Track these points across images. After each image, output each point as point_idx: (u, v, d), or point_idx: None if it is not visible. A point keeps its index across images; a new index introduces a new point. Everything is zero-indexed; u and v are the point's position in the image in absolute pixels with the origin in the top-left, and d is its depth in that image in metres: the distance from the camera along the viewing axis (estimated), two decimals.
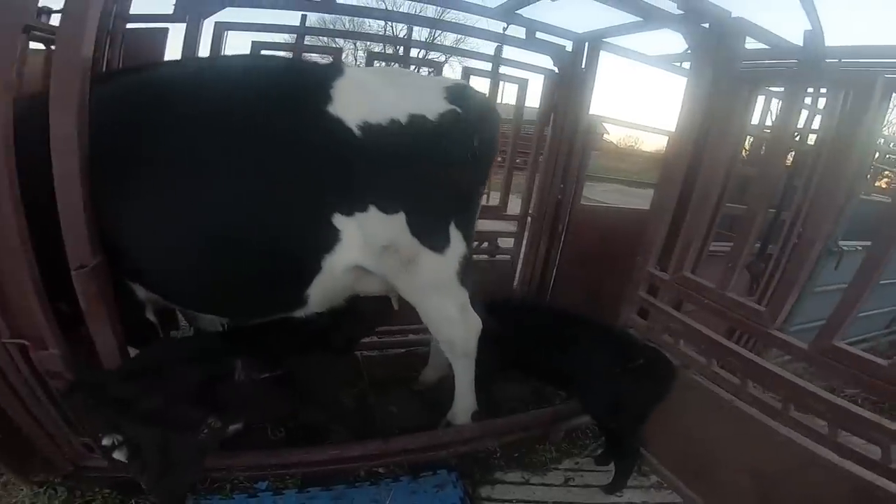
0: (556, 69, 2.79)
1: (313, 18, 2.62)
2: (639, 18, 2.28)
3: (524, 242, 3.18)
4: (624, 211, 3.39)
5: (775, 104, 3.08)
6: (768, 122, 3.15)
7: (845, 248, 2.94)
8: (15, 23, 1.15)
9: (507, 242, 3.20)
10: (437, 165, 1.76)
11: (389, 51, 2.92)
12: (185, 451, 1.51)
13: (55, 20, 1.95)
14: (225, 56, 2.23)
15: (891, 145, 5.90)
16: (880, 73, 1.57)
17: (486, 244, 3.12)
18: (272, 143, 1.57)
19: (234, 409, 1.64)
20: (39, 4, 1.85)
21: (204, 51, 2.16)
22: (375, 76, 1.77)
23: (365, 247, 1.74)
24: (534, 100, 2.97)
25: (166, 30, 2.10)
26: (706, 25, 2.07)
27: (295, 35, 2.51)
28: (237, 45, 2.36)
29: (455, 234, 1.88)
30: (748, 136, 2.85)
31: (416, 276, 1.84)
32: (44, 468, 1.75)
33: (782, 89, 1.94)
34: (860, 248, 2.92)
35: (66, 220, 1.31)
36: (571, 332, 2.14)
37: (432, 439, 2.15)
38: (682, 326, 2.07)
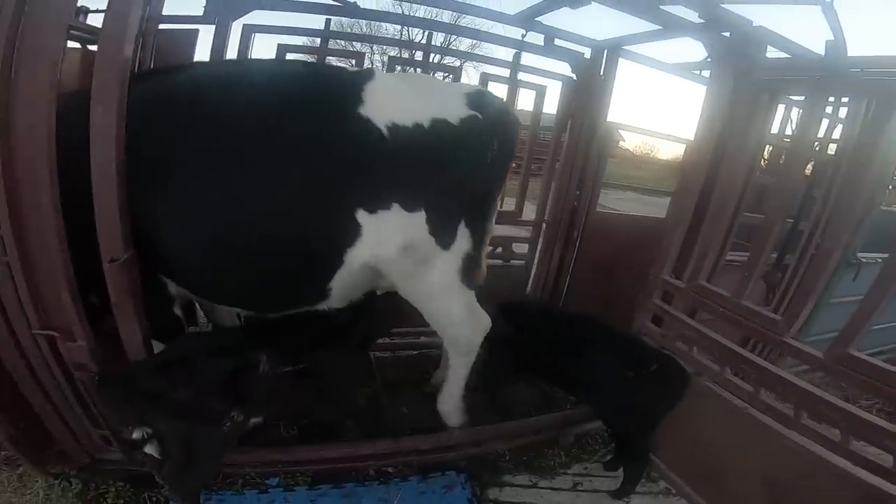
0: (574, 76, 2.80)
1: (335, 23, 2.68)
2: (658, 27, 2.29)
3: (539, 248, 3.19)
4: (639, 219, 3.38)
5: (795, 113, 3.06)
6: (788, 132, 3.13)
7: (864, 259, 2.90)
8: (59, 23, 1.19)
9: (521, 248, 3.21)
10: (457, 167, 1.82)
11: (406, 55, 2.96)
12: (208, 444, 1.54)
13: (84, 20, 2.04)
14: (265, 60, 2.28)
15: None
16: None
17: (500, 249, 3.13)
18: (306, 142, 1.63)
19: (257, 403, 1.67)
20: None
21: (232, 52, 2.23)
22: (402, 81, 1.84)
23: (380, 245, 1.78)
24: (551, 106, 2.99)
25: (196, 31, 2.16)
26: (727, 34, 2.08)
27: (318, 38, 2.56)
28: (263, 47, 2.42)
29: (462, 232, 1.92)
30: (767, 146, 2.84)
31: (425, 276, 1.87)
32: (61, 460, 1.78)
33: (803, 98, 1.94)
34: (879, 259, 2.87)
35: (100, 215, 1.35)
36: (584, 337, 2.14)
37: (442, 440, 2.16)
38: (696, 334, 2.07)
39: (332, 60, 2.87)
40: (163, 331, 1.75)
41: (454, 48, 4.13)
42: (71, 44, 1.90)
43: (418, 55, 2.83)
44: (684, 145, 2.70)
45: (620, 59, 2.73)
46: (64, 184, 1.29)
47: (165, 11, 2.09)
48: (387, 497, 1.96)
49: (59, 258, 1.32)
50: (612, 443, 2.30)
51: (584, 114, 2.82)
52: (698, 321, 2.12)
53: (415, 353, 3.06)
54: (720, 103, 2.10)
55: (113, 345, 1.56)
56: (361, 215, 1.72)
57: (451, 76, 2.84)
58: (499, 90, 2.77)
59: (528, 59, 2.76)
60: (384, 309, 2.07)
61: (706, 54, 2.56)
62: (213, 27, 2.16)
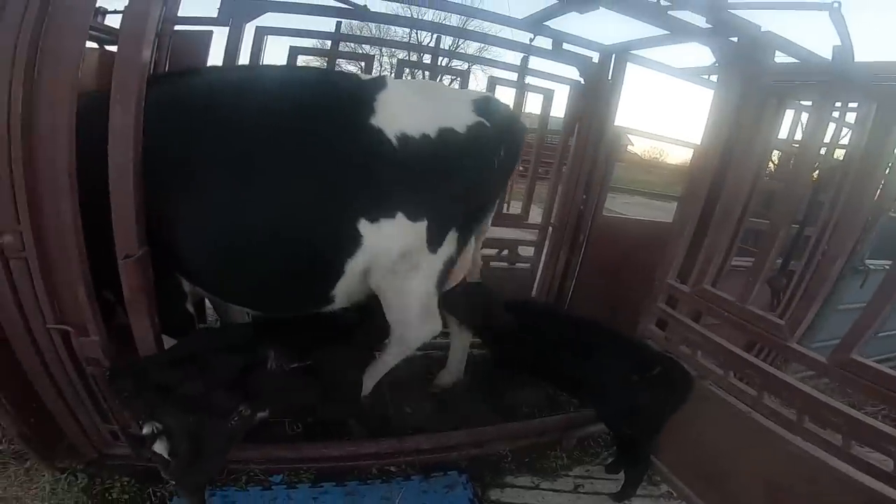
0: (581, 80, 2.81)
1: (344, 25, 2.72)
2: (666, 32, 2.30)
3: (544, 252, 3.19)
4: (645, 223, 3.37)
5: (805, 118, 3.05)
6: (797, 137, 3.11)
7: (872, 266, 2.88)
8: (81, 24, 1.22)
9: (527, 251, 3.22)
10: (463, 175, 1.85)
11: (414, 58, 2.99)
12: (215, 439, 1.56)
13: (102, 20, 2.08)
14: (281, 66, 2.33)
15: None
16: None
17: (506, 252, 3.14)
18: (317, 150, 1.66)
19: (264, 398, 1.69)
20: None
21: (245, 54, 2.28)
22: (412, 89, 1.85)
23: (379, 251, 1.81)
24: (559, 109, 3.01)
25: (210, 32, 2.20)
26: (734, 39, 2.08)
27: (329, 41, 2.60)
28: (276, 49, 2.46)
29: (451, 237, 1.95)
30: (776, 151, 2.83)
31: (408, 277, 1.90)
32: (68, 455, 1.80)
33: (810, 103, 1.94)
34: (887, 266, 2.86)
35: (117, 213, 1.38)
36: (589, 340, 2.15)
37: (444, 440, 2.17)
38: (700, 338, 2.07)
39: (342, 62, 2.91)
40: (174, 327, 1.78)
41: (462, 52, 4.16)
42: (88, 44, 1.95)
43: (427, 58, 2.86)
44: (693, 150, 2.70)
45: (629, 64, 2.73)
46: (79, 181, 1.32)
47: (180, 13, 2.13)
48: (389, 496, 1.98)
49: (76, 255, 1.35)
50: (615, 446, 2.30)
51: (591, 118, 2.83)
52: (703, 325, 2.12)
53: (419, 353, 3.08)
54: (727, 108, 2.10)
55: (121, 340, 1.58)
56: (363, 225, 1.75)
57: (458, 79, 2.86)
58: (507, 94, 2.81)
59: (535, 62, 2.78)
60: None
61: (714, 59, 2.56)
62: (226, 29, 2.20)
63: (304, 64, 2.75)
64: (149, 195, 1.46)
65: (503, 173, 2.06)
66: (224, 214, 1.65)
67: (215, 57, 2.24)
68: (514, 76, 2.80)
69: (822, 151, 2.57)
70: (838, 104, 2.27)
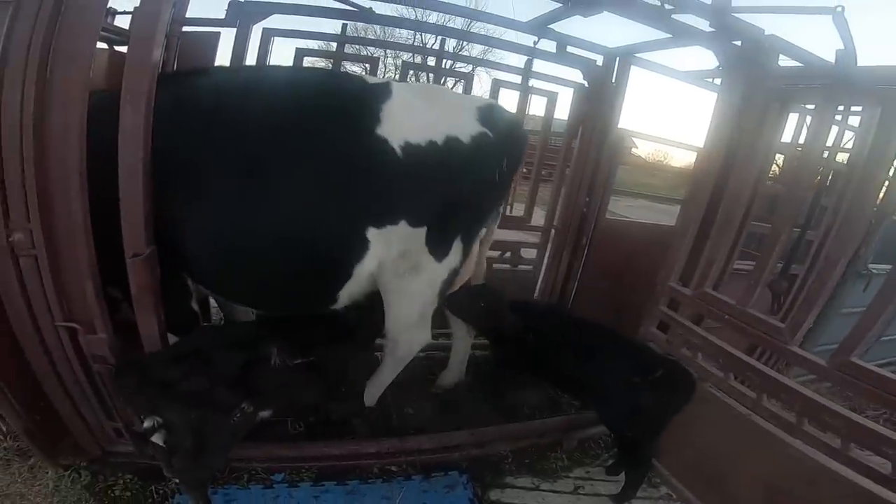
0: (585, 83, 2.82)
1: (350, 27, 2.74)
2: (670, 35, 2.30)
3: (547, 254, 3.19)
4: (648, 226, 3.37)
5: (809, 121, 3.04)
6: (802, 140, 3.11)
7: (875, 270, 2.88)
8: (93, 25, 1.24)
9: (529, 253, 3.22)
10: (466, 185, 1.87)
11: (419, 60, 3.01)
12: (218, 435, 1.57)
13: (112, 21, 2.11)
14: (288, 67, 2.36)
15: None
16: None
17: (508, 254, 3.15)
18: (323, 157, 1.68)
19: (266, 395, 1.71)
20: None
21: (252, 55, 2.30)
22: (417, 96, 1.86)
23: (384, 254, 1.84)
24: (562, 112, 3.01)
25: (218, 34, 2.22)
26: (738, 43, 2.09)
27: (334, 43, 2.62)
28: (282, 50, 2.48)
29: (457, 247, 1.98)
30: (780, 154, 2.83)
31: (411, 279, 1.92)
32: (73, 452, 1.82)
33: (814, 107, 1.94)
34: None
35: (126, 211, 1.39)
36: (591, 342, 2.15)
37: (446, 440, 2.18)
38: (702, 341, 2.07)
39: (348, 64, 2.93)
40: (179, 325, 1.80)
41: (466, 54, 4.19)
42: (99, 44, 1.97)
43: (431, 60, 2.87)
44: (696, 153, 2.71)
45: (633, 67, 2.74)
46: (87, 179, 1.33)
47: (188, 14, 2.14)
48: (389, 495, 1.99)
49: (85, 253, 1.37)
50: (615, 447, 2.30)
51: (595, 120, 2.83)
52: (704, 328, 2.12)
53: (421, 354, 3.09)
54: (730, 111, 2.10)
55: (124, 338, 1.59)
56: (371, 231, 1.78)
57: (462, 81, 2.88)
58: (510, 96, 2.82)
59: (539, 65, 2.78)
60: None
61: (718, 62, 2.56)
62: (234, 30, 2.23)
63: (309, 65, 2.76)
64: (157, 195, 1.48)
65: (505, 182, 2.08)
66: (238, 218, 1.67)
67: (223, 58, 2.26)
68: (517, 79, 2.81)
69: (825, 155, 2.57)
70: (841, 108, 2.27)
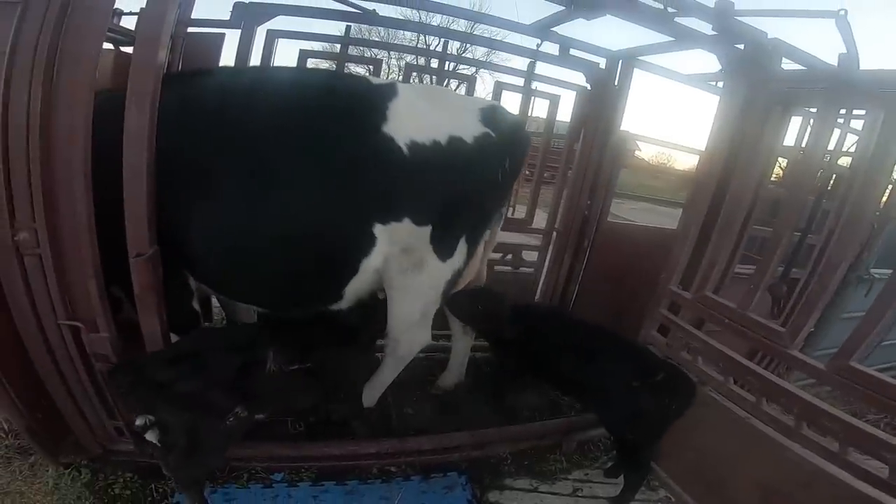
0: (588, 86, 2.82)
1: (353, 29, 2.76)
2: (671, 38, 2.31)
3: (548, 257, 3.19)
4: (650, 229, 3.36)
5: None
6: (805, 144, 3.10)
7: (877, 275, 2.87)
8: (100, 25, 1.25)
9: (531, 256, 3.22)
10: (469, 185, 1.88)
11: (422, 62, 3.02)
12: (211, 437, 1.58)
13: (118, 22, 2.12)
14: (293, 68, 2.37)
15: None
16: None
17: (510, 256, 3.15)
18: (329, 156, 1.70)
19: (262, 399, 1.71)
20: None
21: (256, 56, 2.31)
22: (422, 97, 1.88)
23: (389, 251, 1.86)
24: (565, 114, 3.01)
25: (223, 35, 2.24)
26: (741, 46, 2.09)
27: (338, 44, 2.64)
28: (286, 52, 2.50)
29: (461, 248, 1.99)
30: (782, 158, 2.82)
31: (415, 276, 1.93)
32: (74, 450, 1.82)
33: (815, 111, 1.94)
34: None
35: (130, 211, 1.40)
36: (592, 345, 2.15)
37: (446, 441, 2.19)
38: (702, 344, 2.07)
39: (351, 65, 2.95)
40: (181, 325, 1.81)
41: (469, 56, 4.20)
42: (105, 45, 1.99)
43: (434, 62, 2.88)
44: (698, 156, 2.70)
45: (635, 70, 2.74)
46: (92, 180, 1.34)
47: (193, 16, 2.16)
48: (388, 496, 1.99)
49: (89, 252, 1.38)
50: (615, 450, 2.30)
51: (597, 123, 2.83)
52: (704, 332, 2.12)
53: (421, 354, 3.10)
54: (732, 114, 2.10)
55: (126, 337, 1.60)
56: (377, 228, 1.80)
57: (465, 83, 2.88)
58: (513, 99, 2.82)
59: (542, 68, 2.79)
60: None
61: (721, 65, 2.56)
62: (238, 32, 2.24)
63: (313, 66, 2.78)
64: (163, 195, 1.48)
65: (508, 183, 2.10)
66: (246, 217, 1.68)
67: (227, 59, 2.28)
68: (520, 81, 2.82)
69: (827, 159, 2.56)
70: (843, 111, 2.27)
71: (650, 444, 2.01)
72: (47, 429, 1.70)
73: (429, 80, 2.99)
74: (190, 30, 2.18)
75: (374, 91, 1.80)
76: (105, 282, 1.47)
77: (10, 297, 1.43)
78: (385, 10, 2.47)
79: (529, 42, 2.68)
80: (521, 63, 2.80)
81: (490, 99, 2.73)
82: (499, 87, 2.81)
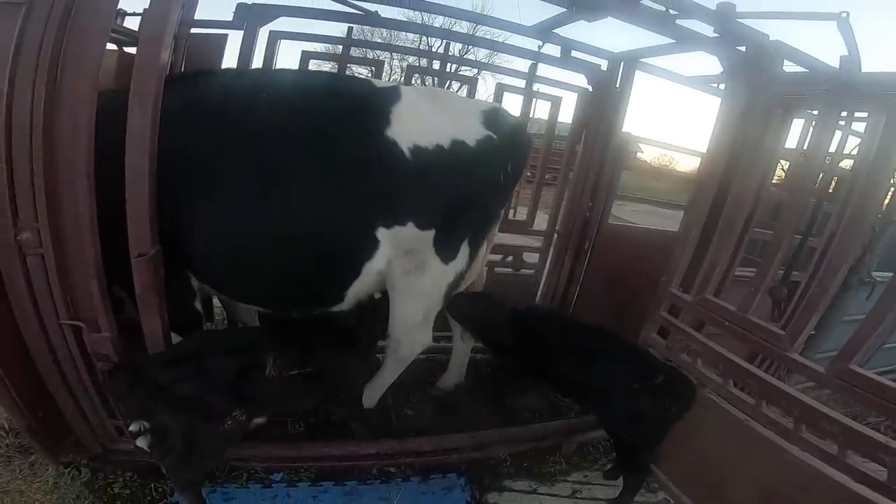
0: (589, 87, 2.82)
1: (356, 30, 2.77)
2: (672, 40, 2.31)
3: (549, 258, 3.19)
4: (651, 232, 3.36)
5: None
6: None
7: (878, 278, 2.86)
8: (104, 26, 1.26)
9: (531, 257, 3.22)
10: (471, 188, 1.88)
11: (424, 63, 3.03)
12: (209, 440, 1.58)
13: (121, 22, 2.14)
14: (297, 70, 2.38)
15: None
16: None
17: (510, 258, 3.15)
18: (333, 159, 1.70)
19: (261, 403, 1.71)
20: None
21: (258, 57, 2.33)
22: (424, 99, 1.88)
23: (392, 253, 1.87)
24: (567, 115, 3.02)
25: (226, 36, 2.25)
26: (742, 48, 2.09)
27: (340, 46, 2.65)
28: (289, 53, 2.51)
29: (464, 251, 2.00)
30: (784, 161, 2.82)
31: (417, 278, 1.94)
32: (74, 449, 1.82)
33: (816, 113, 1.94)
34: None
35: (132, 211, 1.40)
36: (592, 347, 2.14)
37: (446, 443, 2.19)
38: (702, 347, 2.07)
39: (353, 67, 2.95)
40: (182, 325, 1.82)
41: (471, 58, 4.21)
42: (108, 46, 2.00)
43: (436, 64, 2.89)
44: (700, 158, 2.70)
45: (637, 72, 2.74)
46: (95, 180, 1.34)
47: (196, 17, 2.18)
48: (387, 496, 1.99)
49: (92, 252, 1.38)
50: (614, 452, 2.30)
51: (598, 125, 2.84)
52: (705, 334, 2.12)
53: (422, 356, 3.10)
54: (734, 116, 2.10)
55: (128, 337, 1.60)
56: (381, 232, 1.80)
57: (467, 85, 2.89)
58: (515, 100, 2.83)
59: (544, 69, 2.79)
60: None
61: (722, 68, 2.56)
62: (241, 33, 2.25)
63: (315, 67, 2.79)
64: (166, 195, 1.49)
65: (509, 185, 2.11)
66: (250, 218, 1.69)
67: (230, 60, 2.29)
68: (522, 83, 2.82)
69: (829, 161, 2.55)
70: (844, 114, 2.27)
71: (650, 447, 2.00)
72: (48, 428, 1.70)
73: (431, 81, 2.99)
74: (193, 31, 2.20)
75: (378, 94, 1.80)
76: (107, 282, 1.48)
77: (13, 296, 1.43)
78: (387, 12, 2.48)
79: (531, 44, 2.69)
80: (522, 65, 2.82)
81: (491, 100, 2.74)
82: (500, 89, 2.81)
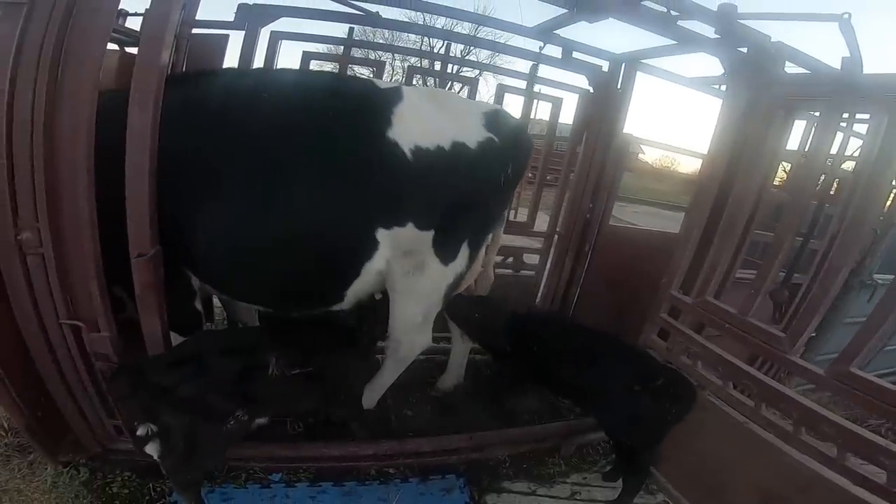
0: (591, 89, 2.82)
1: (357, 31, 2.77)
2: (673, 42, 2.31)
3: (549, 260, 3.19)
4: (651, 233, 3.36)
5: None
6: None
7: (880, 281, 2.85)
8: (105, 26, 1.26)
9: (532, 259, 3.22)
10: (472, 190, 1.88)
11: (425, 64, 3.03)
12: (210, 441, 1.58)
13: (123, 22, 2.14)
14: (299, 70, 2.38)
15: None
16: None
17: (511, 259, 3.15)
18: (333, 159, 1.70)
19: (263, 403, 1.71)
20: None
21: (259, 57, 2.33)
22: (426, 100, 1.88)
23: (391, 254, 1.87)
24: (568, 116, 3.02)
25: (227, 36, 2.26)
26: (743, 49, 2.08)
27: (342, 46, 2.65)
28: (290, 53, 2.51)
29: (463, 252, 2.00)
30: (785, 162, 2.81)
31: (417, 279, 1.94)
32: (73, 449, 1.82)
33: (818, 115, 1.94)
34: None
35: (132, 210, 1.40)
36: (592, 349, 2.14)
37: (445, 444, 2.19)
38: (702, 349, 2.06)
39: (355, 67, 2.96)
40: (183, 325, 1.82)
41: (473, 59, 4.20)
42: (109, 46, 2.00)
43: (437, 65, 2.89)
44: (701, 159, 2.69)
45: (638, 73, 2.74)
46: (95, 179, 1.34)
47: (198, 17, 2.18)
48: (386, 497, 1.99)
49: (92, 252, 1.38)
50: (613, 454, 2.29)
51: (600, 126, 2.84)
52: (705, 336, 2.12)
53: (421, 356, 3.10)
54: (735, 118, 2.10)
55: (127, 336, 1.60)
56: (381, 233, 1.80)
57: (468, 86, 2.89)
58: (516, 101, 2.83)
59: (545, 70, 2.79)
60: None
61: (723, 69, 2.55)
62: (242, 33, 2.26)
63: (317, 68, 2.79)
64: (167, 194, 1.49)
65: (510, 187, 2.11)
66: (251, 218, 1.69)
67: (231, 60, 2.29)
68: (523, 84, 2.82)
69: (830, 163, 2.55)
70: (846, 115, 2.26)
71: (650, 449, 2.00)
72: (47, 427, 1.70)
73: (432, 82, 2.99)
74: (194, 31, 2.20)
75: (380, 95, 1.80)
76: (107, 281, 1.48)
77: (13, 295, 1.43)
78: (389, 13, 2.48)
79: (532, 45, 2.69)
80: (524, 66, 2.81)
81: (493, 101, 2.74)
82: (501, 90, 2.81)
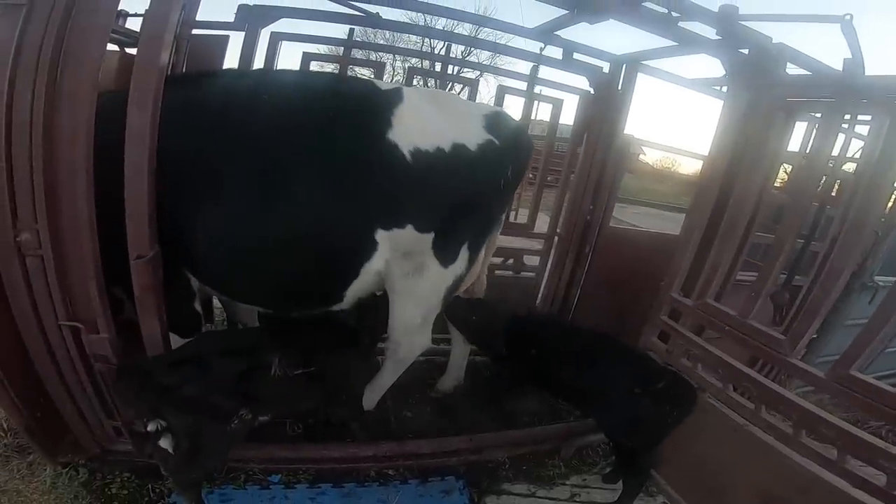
0: (591, 90, 2.82)
1: (357, 32, 2.77)
2: (674, 43, 2.30)
3: (550, 261, 3.19)
4: (652, 235, 3.36)
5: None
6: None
7: (881, 283, 2.84)
8: (104, 26, 1.26)
9: (532, 260, 3.22)
10: (472, 192, 1.88)
11: (426, 65, 3.03)
12: (215, 440, 1.58)
13: (123, 23, 2.14)
14: (299, 71, 2.38)
15: None
16: None
17: (511, 261, 3.14)
18: (333, 160, 1.70)
19: (266, 403, 1.71)
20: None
21: (259, 58, 2.33)
22: (427, 102, 1.87)
23: (390, 255, 1.87)
24: (568, 117, 3.01)
25: (227, 37, 2.26)
26: (745, 51, 2.08)
27: (342, 47, 2.65)
28: (290, 54, 2.51)
29: (463, 254, 2.00)
30: (786, 164, 2.81)
31: (416, 280, 1.93)
32: (72, 449, 1.82)
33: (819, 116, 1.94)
34: None
35: (130, 212, 1.40)
36: (592, 351, 2.13)
37: (444, 445, 2.18)
38: (702, 351, 2.06)
39: (355, 68, 2.96)
40: (182, 326, 1.82)
41: (473, 60, 4.20)
42: (109, 46, 2.00)
43: (438, 66, 2.89)
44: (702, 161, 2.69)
45: (639, 74, 2.74)
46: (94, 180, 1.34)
47: (198, 18, 2.18)
48: (385, 498, 1.99)
49: (91, 253, 1.38)
50: (613, 456, 2.29)
51: (600, 127, 2.83)
52: (705, 338, 2.11)
53: (421, 358, 3.09)
54: (736, 119, 2.09)
55: (126, 338, 1.60)
56: (380, 234, 1.80)
57: (468, 87, 2.89)
58: (516, 102, 2.83)
59: (545, 71, 2.79)
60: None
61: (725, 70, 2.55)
62: (242, 34, 2.26)
63: (317, 69, 2.79)
64: (167, 195, 1.49)
65: (510, 189, 2.11)
66: (251, 218, 1.69)
67: (231, 61, 2.29)
68: (524, 85, 2.82)
69: (831, 165, 2.54)
70: (847, 117, 2.25)
71: (650, 451, 1.99)
72: (46, 428, 1.70)
73: (432, 83, 2.99)
74: (194, 32, 2.20)
75: (380, 96, 1.80)
76: (106, 282, 1.48)
77: (12, 297, 1.43)
78: (389, 14, 2.48)
79: (533, 46, 2.69)
80: (524, 67, 2.81)
81: (493, 102, 2.73)
82: (502, 91, 2.81)
